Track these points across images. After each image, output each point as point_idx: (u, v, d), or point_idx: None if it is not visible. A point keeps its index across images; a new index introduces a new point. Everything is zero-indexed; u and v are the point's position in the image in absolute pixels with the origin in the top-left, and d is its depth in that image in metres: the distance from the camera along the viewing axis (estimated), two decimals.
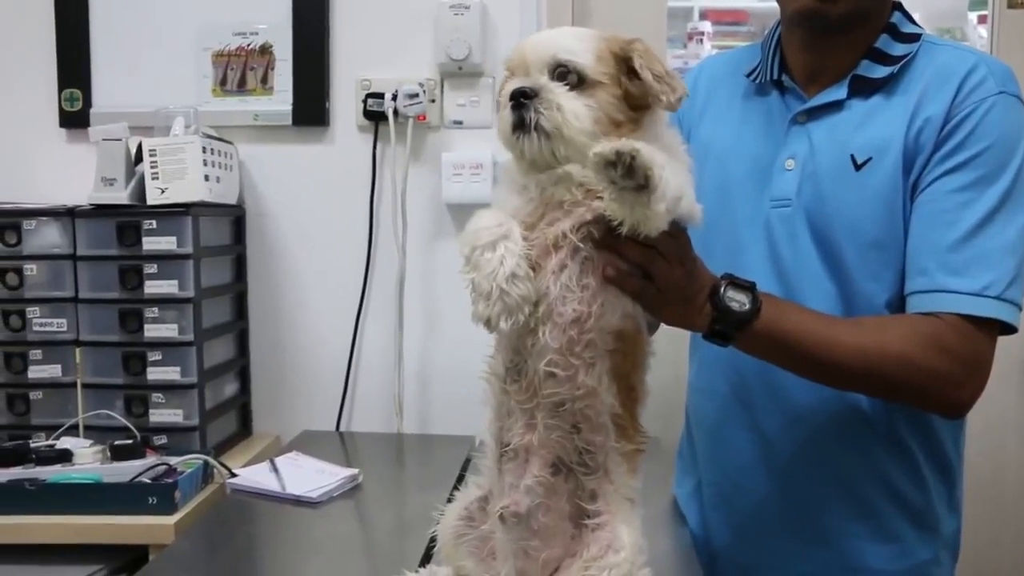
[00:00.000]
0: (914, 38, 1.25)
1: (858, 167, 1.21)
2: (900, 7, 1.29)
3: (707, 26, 3.74)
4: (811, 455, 1.27)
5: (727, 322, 1.07)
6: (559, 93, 0.95)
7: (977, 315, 1.13)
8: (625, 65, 0.99)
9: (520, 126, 0.95)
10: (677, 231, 1.02)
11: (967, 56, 1.22)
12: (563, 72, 0.96)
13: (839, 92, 1.25)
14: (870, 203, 1.20)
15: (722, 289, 1.07)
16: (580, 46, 0.97)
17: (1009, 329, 1.15)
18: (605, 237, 0.95)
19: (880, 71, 1.23)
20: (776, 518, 1.31)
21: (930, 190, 1.18)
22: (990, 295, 1.13)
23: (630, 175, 0.88)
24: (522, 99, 0.95)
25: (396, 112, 2.09)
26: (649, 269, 0.99)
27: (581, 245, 0.95)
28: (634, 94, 0.99)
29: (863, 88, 1.24)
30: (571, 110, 0.95)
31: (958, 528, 1.33)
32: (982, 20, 2.40)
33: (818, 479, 1.28)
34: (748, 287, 1.08)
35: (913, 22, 1.28)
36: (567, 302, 0.95)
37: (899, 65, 1.22)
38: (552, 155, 0.95)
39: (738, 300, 1.07)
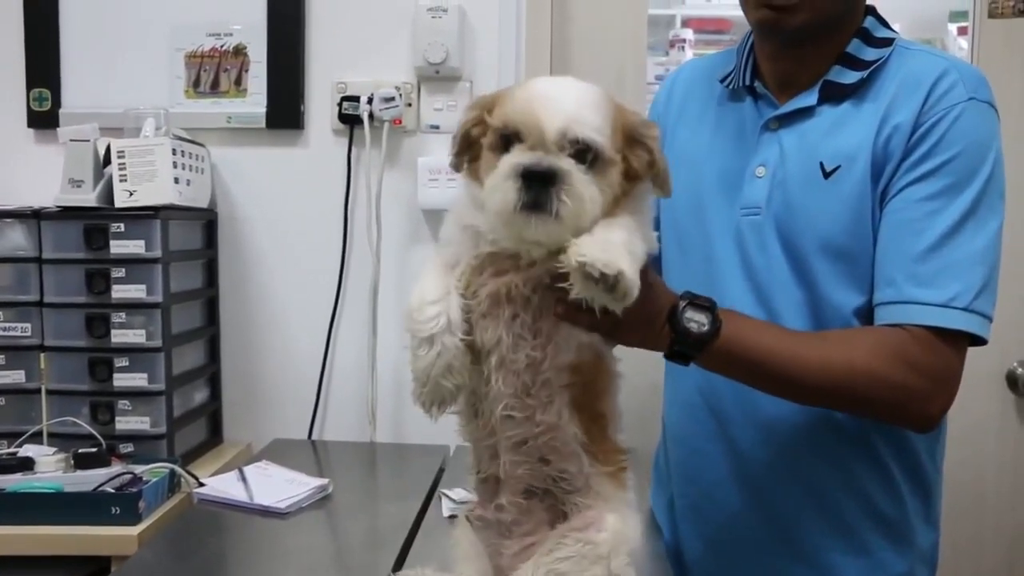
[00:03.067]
0: (887, 43, 1.23)
1: (827, 175, 1.19)
2: (874, 11, 1.27)
3: (689, 34, 3.75)
4: (783, 468, 1.25)
5: (686, 343, 1.06)
6: (582, 179, 0.89)
7: (944, 327, 1.11)
8: (628, 137, 0.96)
9: (531, 207, 0.89)
10: None
11: (938, 62, 1.19)
12: (581, 151, 0.90)
13: (810, 98, 1.23)
14: (838, 211, 1.18)
15: (680, 310, 1.05)
16: (599, 121, 0.91)
17: (979, 341, 1.13)
18: (556, 280, 0.92)
19: (851, 76, 1.21)
20: (749, 531, 1.29)
21: (898, 198, 1.16)
22: (957, 306, 1.11)
23: (610, 291, 0.87)
24: (541, 181, 0.88)
25: (372, 116, 2.06)
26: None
27: (532, 296, 0.94)
28: (634, 168, 0.96)
29: (834, 94, 1.22)
30: (591, 198, 0.90)
31: (935, 541, 1.31)
32: (962, 31, 2.41)
33: (791, 492, 1.26)
34: (708, 306, 1.06)
35: (887, 27, 1.26)
36: (519, 349, 0.95)
37: (870, 70, 1.20)
38: (556, 240, 0.91)
39: (696, 320, 1.05)
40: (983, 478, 2.05)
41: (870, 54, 1.22)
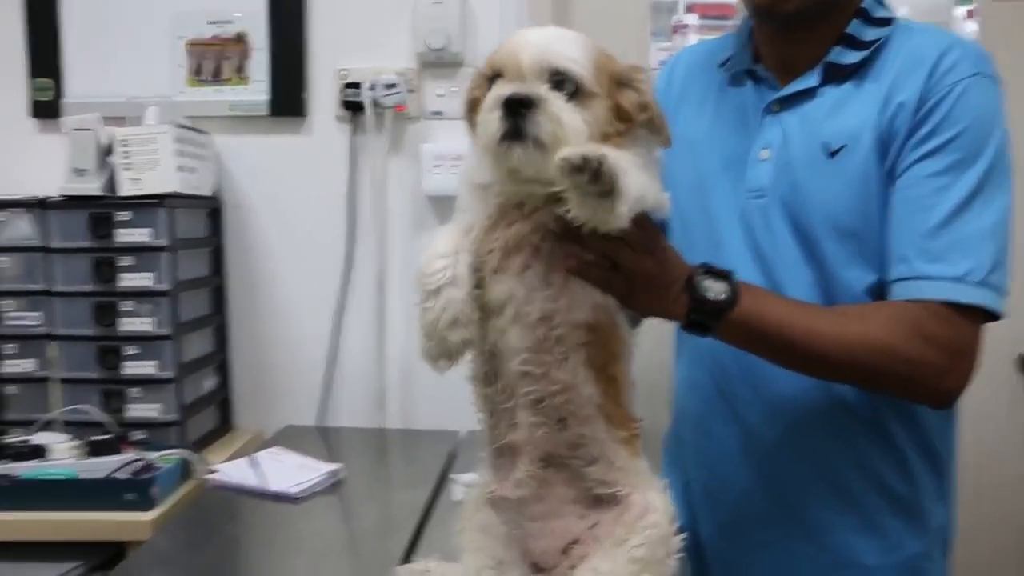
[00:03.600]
0: (887, 22, 1.22)
1: (831, 155, 1.19)
2: None
3: (693, 19, 3.73)
4: (794, 446, 1.25)
5: (704, 311, 1.05)
6: (560, 106, 0.92)
7: (959, 301, 1.11)
8: (616, 80, 0.97)
9: (513, 135, 0.91)
10: (643, 221, 1.00)
11: (940, 39, 1.19)
12: (560, 81, 0.93)
13: (811, 80, 1.23)
14: (844, 190, 1.18)
15: (697, 278, 1.05)
16: (579, 54, 0.94)
17: (993, 316, 1.14)
18: (566, 231, 0.95)
19: (852, 56, 1.21)
20: (761, 512, 1.29)
21: (907, 176, 1.16)
22: (971, 280, 1.11)
23: (596, 181, 0.87)
24: (520, 107, 0.91)
25: (375, 102, 2.06)
26: (615, 259, 0.98)
27: (542, 244, 0.96)
28: (625, 108, 0.97)
29: (836, 75, 1.22)
30: (572, 124, 0.92)
31: (949, 521, 1.31)
32: (970, 15, 2.40)
33: (802, 471, 1.26)
34: (725, 275, 1.07)
35: (885, 6, 1.26)
36: (533, 301, 0.95)
37: (871, 50, 1.20)
38: (540, 168, 0.92)
39: (715, 289, 1.05)
40: (993, 462, 2.05)
41: (871, 34, 1.21)
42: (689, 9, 3.85)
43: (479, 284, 0.96)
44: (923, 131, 1.14)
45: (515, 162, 0.92)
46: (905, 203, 1.15)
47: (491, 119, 0.92)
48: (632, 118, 0.98)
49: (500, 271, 0.96)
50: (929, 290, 1.11)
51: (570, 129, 0.92)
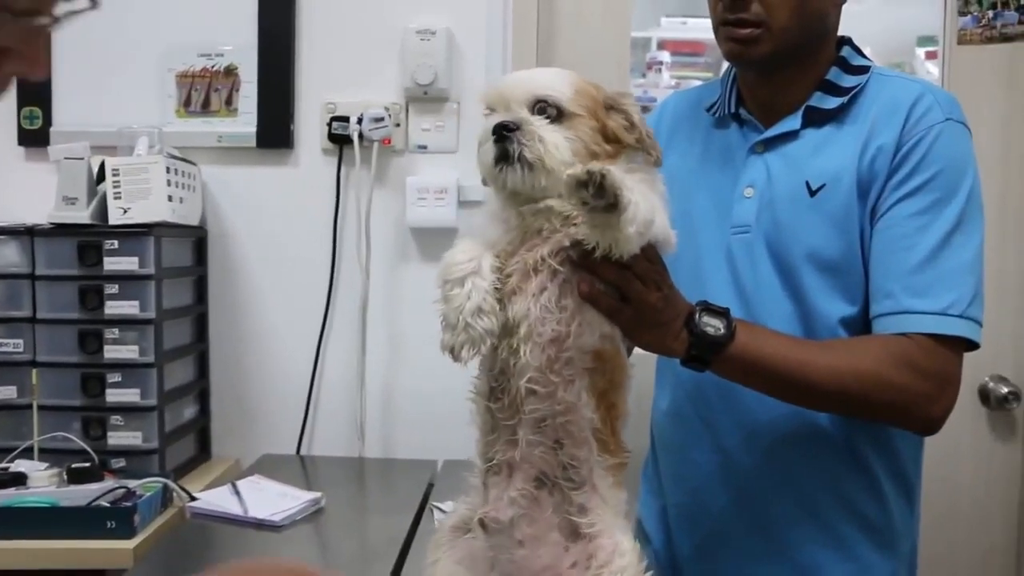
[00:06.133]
0: (863, 70, 1.30)
1: (812, 193, 1.26)
2: (849, 42, 1.34)
3: (666, 56, 3.81)
4: (770, 471, 1.30)
5: (703, 347, 1.11)
6: (540, 126, 0.99)
7: (943, 333, 1.17)
8: (605, 104, 1.04)
9: (503, 158, 0.99)
10: (654, 256, 1.06)
11: (913, 86, 1.27)
12: (543, 107, 1.01)
13: (793, 123, 1.29)
14: (825, 227, 1.24)
15: (697, 315, 1.11)
16: (558, 82, 1.02)
17: (973, 346, 1.20)
18: (582, 258, 1.00)
19: (832, 102, 1.28)
20: (738, 535, 1.33)
21: (888, 216, 1.22)
22: (953, 313, 1.18)
23: (600, 195, 0.92)
24: (504, 132, 0.99)
25: (361, 136, 2.10)
26: (625, 290, 1.03)
27: (560, 268, 1.00)
28: (612, 128, 1.04)
29: (816, 118, 1.29)
30: (552, 141, 0.99)
31: (915, 546, 1.36)
32: (930, 56, 2.49)
33: (778, 495, 1.31)
34: (723, 312, 1.13)
35: (863, 55, 1.34)
36: (546, 322, 0.99)
37: (849, 96, 1.27)
38: (533, 186, 0.99)
39: (713, 325, 1.11)
40: (955, 492, 2.09)
41: (849, 81, 1.29)
42: (661, 46, 3.95)
43: (499, 300, 1.00)
44: (902, 173, 1.22)
45: (510, 183, 1.00)
46: (888, 241, 1.21)
47: (485, 148, 1.01)
48: (622, 139, 1.04)
49: (518, 292, 1.00)
50: (915, 323, 1.18)
51: (551, 145, 0.99)
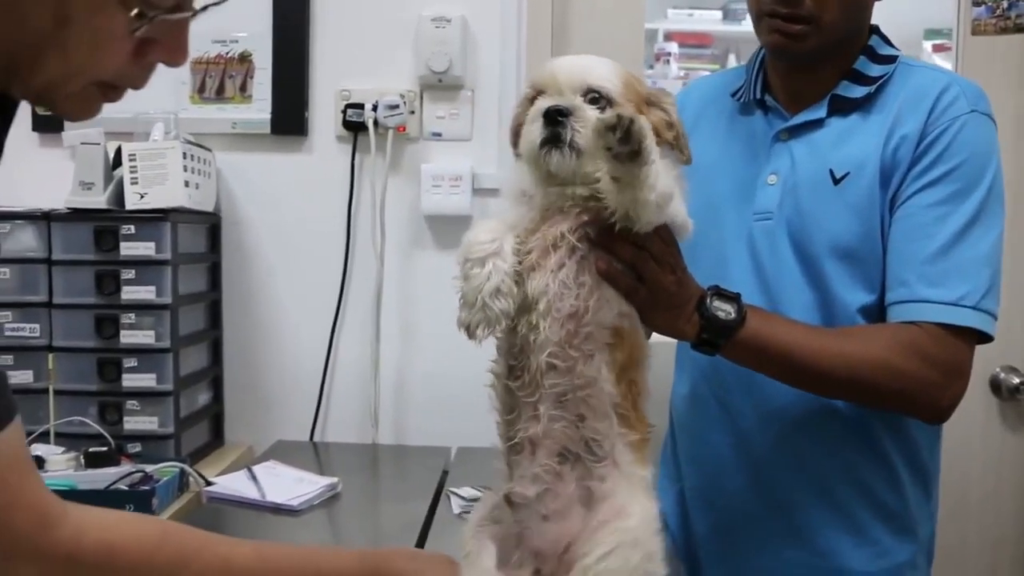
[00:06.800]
0: (891, 60, 1.30)
1: (836, 181, 1.26)
2: (878, 31, 1.34)
3: (673, 47, 3.83)
4: (786, 454, 1.31)
5: (714, 331, 1.12)
6: (593, 114, 1.00)
7: (954, 324, 1.18)
8: (646, 100, 1.06)
9: (551, 141, 1.00)
10: (669, 238, 1.08)
11: (940, 76, 1.28)
12: (595, 97, 1.02)
13: (819, 111, 1.30)
14: (847, 215, 1.25)
15: (709, 299, 1.12)
16: (610, 73, 1.03)
17: (985, 338, 1.21)
18: (600, 236, 1.01)
19: (858, 91, 1.28)
20: (755, 518, 1.34)
21: (908, 204, 1.23)
22: (967, 305, 1.18)
23: (626, 140, 0.93)
24: (559, 116, 0.99)
25: (376, 123, 2.10)
26: (640, 270, 1.04)
27: (578, 245, 1.01)
28: (653, 124, 1.03)
29: (842, 107, 1.29)
30: None
31: (933, 533, 1.37)
32: (937, 49, 2.48)
33: (794, 479, 1.31)
34: (734, 297, 1.13)
35: (890, 44, 1.34)
36: (565, 298, 1.00)
37: (876, 85, 1.28)
38: (575, 172, 1.00)
39: (724, 310, 1.12)
40: (967, 482, 2.10)
41: (876, 70, 1.29)
42: (669, 37, 3.96)
43: (518, 280, 1.01)
44: (924, 162, 1.22)
45: (553, 166, 1.00)
46: (906, 230, 1.22)
47: (533, 128, 1.01)
48: (661, 135, 1.04)
49: (537, 267, 1.01)
50: (928, 312, 1.18)
51: None
